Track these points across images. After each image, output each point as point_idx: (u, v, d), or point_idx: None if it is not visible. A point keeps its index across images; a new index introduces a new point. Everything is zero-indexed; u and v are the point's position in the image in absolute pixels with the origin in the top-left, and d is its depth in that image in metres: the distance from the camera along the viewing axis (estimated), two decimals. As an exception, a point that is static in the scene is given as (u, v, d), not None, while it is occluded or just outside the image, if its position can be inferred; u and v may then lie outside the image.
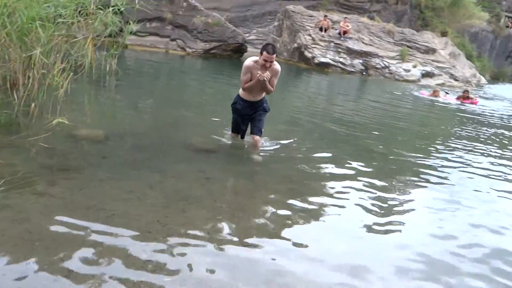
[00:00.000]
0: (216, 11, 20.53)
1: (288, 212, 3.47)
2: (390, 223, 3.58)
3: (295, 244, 2.97)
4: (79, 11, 6.54)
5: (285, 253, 2.84)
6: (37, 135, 4.12)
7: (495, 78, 31.01)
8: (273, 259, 2.73)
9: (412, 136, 7.67)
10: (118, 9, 7.29)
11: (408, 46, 20.56)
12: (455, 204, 4.21)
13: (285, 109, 8.33)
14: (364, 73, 19.15)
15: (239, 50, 17.82)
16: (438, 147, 6.70)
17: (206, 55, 16.88)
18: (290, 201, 3.69)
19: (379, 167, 5.12)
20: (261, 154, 4.91)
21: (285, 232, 3.13)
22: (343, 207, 3.80)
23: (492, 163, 6.06)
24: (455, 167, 5.54)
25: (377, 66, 19.34)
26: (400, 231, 3.49)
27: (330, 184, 4.33)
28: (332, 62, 18.95)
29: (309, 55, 19.00)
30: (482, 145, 7.31)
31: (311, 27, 19.82)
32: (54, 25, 5.57)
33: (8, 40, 5.26)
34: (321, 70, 18.48)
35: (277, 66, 4.64)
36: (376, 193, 4.17)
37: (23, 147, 3.88)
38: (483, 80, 25.13)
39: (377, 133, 7.23)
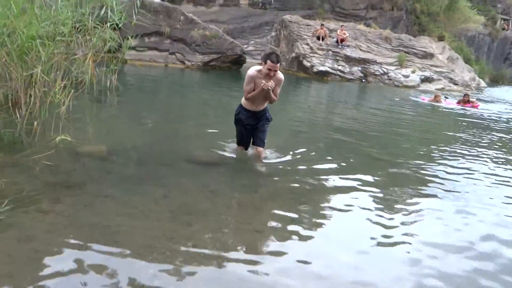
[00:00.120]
0: (214, 24, 20.71)
1: (293, 225, 3.42)
2: (398, 235, 3.46)
3: (300, 259, 2.91)
4: (78, 28, 6.58)
5: (290, 268, 2.79)
6: (41, 153, 4.12)
7: (495, 81, 31.13)
8: (279, 274, 2.69)
9: (415, 143, 7.61)
10: (117, 25, 7.34)
11: (405, 52, 20.69)
12: (464, 214, 4.07)
13: (286, 119, 8.33)
14: (363, 80, 19.23)
15: (238, 62, 17.94)
16: (442, 153, 6.62)
17: (205, 67, 16.98)
18: (295, 214, 3.65)
19: (383, 177, 5.05)
20: (264, 165, 4.90)
21: (290, 246, 3.09)
22: (348, 219, 3.74)
23: (498, 169, 5.96)
24: (460, 174, 5.44)
25: (376, 73, 19.42)
26: (409, 243, 3.33)
27: (335, 195, 4.27)
28: (331, 71, 19.05)
29: (308, 64, 19.10)
30: (486, 150, 7.23)
31: (309, 36, 19.96)
32: (53, 43, 5.60)
33: (9, 59, 5.29)
34: (320, 79, 18.57)
35: (280, 75, 4.60)
36: (382, 204, 4.09)
37: (27, 165, 3.88)
38: (483, 83, 25.21)
39: (379, 141, 7.21)
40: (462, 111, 12.72)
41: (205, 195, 3.89)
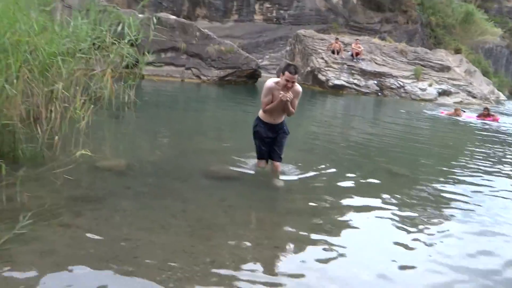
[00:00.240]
0: (229, 39, 20.96)
1: (312, 242, 3.36)
2: (419, 257, 3.31)
3: (319, 278, 2.85)
4: (97, 45, 6.72)
5: (310, 287, 2.74)
6: (62, 167, 4.18)
7: (514, 94, 30.58)
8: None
9: (435, 158, 7.42)
10: (135, 40, 7.47)
11: (422, 65, 20.56)
12: (490, 236, 3.87)
13: (302, 133, 8.31)
14: (379, 93, 19.13)
15: (253, 76, 18.07)
16: (464, 169, 6.39)
17: (221, 82, 17.12)
18: (314, 231, 3.59)
19: (403, 194, 4.89)
20: (281, 180, 4.87)
21: (310, 264, 3.03)
22: (368, 239, 3.64)
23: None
24: (483, 192, 5.23)
25: (392, 86, 19.32)
26: (431, 266, 3.16)
27: (354, 213, 4.16)
28: (346, 84, 19.02)
29: (323, 78, 19.11)
30: (510, 166, 7.00)
31: (323, 50, 20.02)
32: (73, 60, 5.73)
33: (31, 75, 5.42)
34: (335, 93, 18.54)
35: (298, 87, 4.57)
36: (403, 224, 3.94)
37: (48, 179, 3.94)
38: (502, 96, 24.85)
39: (398, 156, 7.09)
40: (482, 125, 12.51)
41: (222, 210, 3.88)
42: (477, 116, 13.72)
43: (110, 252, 2.80)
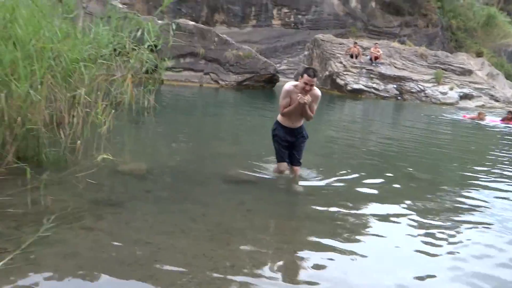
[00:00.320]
0: (247, 44, 21.08)
1: (332, 248, 3.31)
2: (440, 265, 3.20)
3: (339, 283, 2.82)
4: (118, 51, 6.83)
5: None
6: (84, 171, 4.26)
7: (538, 97, 29.81)
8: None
9: (457, 163, 7.23)
10: (155, 46, 7.57)
11: (442, 69, 20.25)
12: None
13: (321, 137, 8.26)
14: (399, 97, 18.90)
15: (271, 81, 18.09)
16: (488, 175, 6.17)
17: (239, 87, 17.19)
18: (334, 236, 3.55)
19: (425, 201, 4.74)
20: (301, 185, 4.84)
21: (330, 270, 3.00)
22: (390, 245, 3.56)
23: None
24: (508, 198, 5.04)
25: (412, 90, 19.07)
26: (453, 276, 3.04)
27: (375, 219, 4.08)
28: (365, 88, 18.85)
29: (342, 82, 19.00)
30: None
31: (342, 55, 19.91)
32: (95, 65, 5.83)
33: (54, 81, 5.53)
34: (354, 97, 18.39)
35: (317, 91, 4.55)
36: (425, 232, 3.82)
37: (71, 183, 4.01)
38: (526, 100, 24.19)
39: (419, 161, 6.93)
40: (507, 129, 12.21)
41: (242, 214, 3.87)
42: (501, 120, 13.41)
43: (131, 256, 2.82)
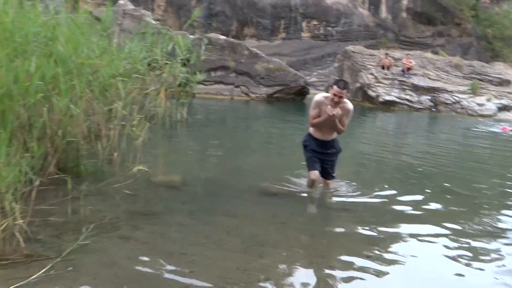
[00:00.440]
0: (277, 57, 21.20)
1: (367, 265, 3.22)
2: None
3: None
4: (152, 66, 7.02)
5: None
6: (120, 182, 4.37)
7: None
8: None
9: (497, 179, 6.81)
10: (187, 60, 7.73)
11: (479, 79, 19.68)
12: None
13: (353, 151, 8.14)
14: (433, 109, 18.47)
15: (302, 93, 18.09)
16: None
17: (270, 99, 17.28)
18: (369, 252, 3.46)
19: (465, 220, 4.49)
20: (334, 199, 4.78)
21: (365, 282, 2.94)
22: (427, 264, 3.41)
23: None
24: None
25: (447, 102, 18.61)
26: None
27: (409, 236, 3.91)
28: (397, 100, 18.55)
29: (373, 94, 18.77)
30: None
31: (373, 66, 19.71)
32: (130, 80, 6.00)
33: (92, 95, 5.74)
34: (386, 109, 18.12)
35: (349, 105, 4.47)
36: (462, 251, 3.63)
37: (108, 193, 4.13)
38: None
39: (456, 176, 6.66)
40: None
41: (275, 227, 3.85)
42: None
43: (167, 267, 2.86)
